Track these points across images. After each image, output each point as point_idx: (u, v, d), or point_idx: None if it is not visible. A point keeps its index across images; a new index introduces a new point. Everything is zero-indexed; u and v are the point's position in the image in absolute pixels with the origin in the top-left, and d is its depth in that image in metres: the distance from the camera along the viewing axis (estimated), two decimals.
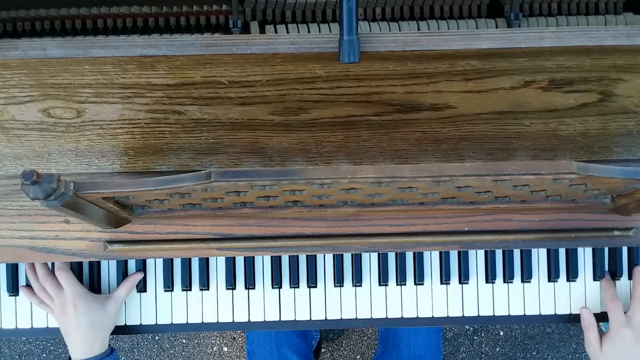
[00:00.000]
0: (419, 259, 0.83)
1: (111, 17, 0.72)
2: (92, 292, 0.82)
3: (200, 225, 0.76)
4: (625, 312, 0.77)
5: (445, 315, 0.83)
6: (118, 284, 0.82)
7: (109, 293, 0.82)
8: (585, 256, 0.83)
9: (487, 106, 0.60)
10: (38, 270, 0.79)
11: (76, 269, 0.82)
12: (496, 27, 0.71)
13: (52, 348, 1.55)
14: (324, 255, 0.83)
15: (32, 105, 0.59)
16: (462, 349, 1.55)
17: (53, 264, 0.81)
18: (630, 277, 0.83)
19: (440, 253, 0.83)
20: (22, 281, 0.83)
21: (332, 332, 1.54)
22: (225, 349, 1.56)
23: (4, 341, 1.55)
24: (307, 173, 0.52)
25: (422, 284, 0.83)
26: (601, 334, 0.79)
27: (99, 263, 0.82)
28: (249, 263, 0.83)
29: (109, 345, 0.80)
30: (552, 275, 0.82)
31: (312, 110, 0.60)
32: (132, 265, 0.83)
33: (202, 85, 0.56)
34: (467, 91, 0.58)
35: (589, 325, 0.79)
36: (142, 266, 0.82)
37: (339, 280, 0.82)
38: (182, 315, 0.83)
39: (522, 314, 0.82)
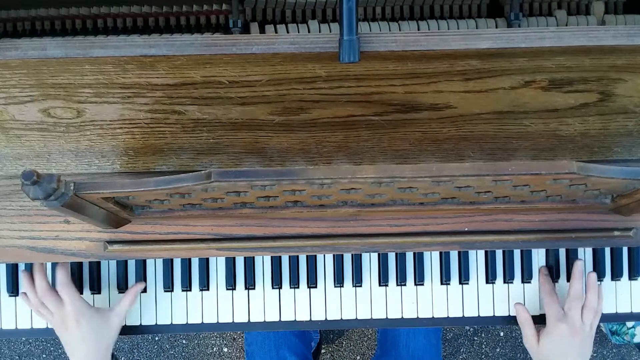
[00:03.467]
0: (419, 259, 0.83)
1: (111, 17, 0.72)
2: (92, 292, 0.82)
3: (200, 226, 0.76)
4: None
5: (446, 316, 0.83)
6: (118, 284, 0.82)
7: (109, 293, 0.82)
8: (585, 257, 0.83)
9: (487, 106, 0.60)
10: (37, 285, 0.76)
11: (76, 269, 0.82)
12: (496, 27, 0.71)
13: (52, 349, 1.55)
14: (324, 256, 0.83)
15: (32, 105, 0.59)
16: (462, 350, 1.55)
17: (53, 272, 0.79)
18: (630, 277, 0.83)
19: (441, 253, 0.83)
20: (22, 281, 0.82)
21: (332, 332, 1.54)
22: (225, 349, 1.56)
23: (4, 341, 1.55)
24: (307, 173, 0.52)
25: (422, 284, 0.83)
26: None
27: (98, 263, 0.82)
28: (249, 263, 0.83)
29: (113, 354, 0.79)
30: (552, 276, 0.82)
31: (312, 110, 0.60)
32: (132, 265, 0.82)
33: (202, 85, 0.56)
34: (467, 91, 0.58)
35: (524, 321, 0.80)
36: (142, 266, 0.82)
37: (339, 281, 0.82)
38: (182, 315, 0.83)
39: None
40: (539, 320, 0.82)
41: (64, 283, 0.76)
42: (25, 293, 0.79)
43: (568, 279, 0.83)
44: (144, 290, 0.82)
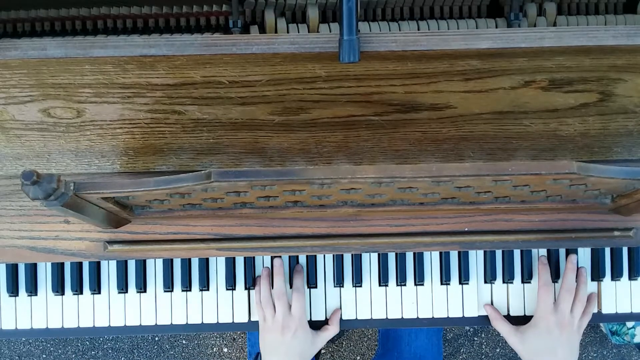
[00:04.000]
0: (419, 260, 0.83)
1: (111, 18, 0.72)
2: (92, 292, 0.82)
3: (200, 226, 0.76)
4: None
5: (446, 316, 0.83)
6: (118, 284, 0.82)
7: (109, 293, 0.82)
8: (585, 257, 0.83)
9: (487, 106, 0.60)
10: (277, 284, 0.78)
11: (76, 269, 0.82)
12: (496, 27, 0.71)
13: (52, 349, 1.55)
14: (324, 256, 0.83)
15: (32, 105, 0.59)
16: (462, 350, 1.55)
17: (291, 272, 0.81)
18: (630, 277, 0.83)
19: (440, 253, 0.83)
20: (22, 281, 0.82)
21: None
22: (225, 349, 1.56)
23: (4, 342, 1.55)
24: (307, 173, 0.52)
25: (422, 285, 0.83)
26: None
27: (98, 263, 0.82)
28: (249, 263, 0.83)
29: None
30: (552, 276, 0.82)
31: (312, 110, 0.60)
32: (132, 265, 0.82)
33: (202, 85, 0.56)
34: (467, 91, 0.58)
35: (495, 318, 0.80)
36: (142, 266, 0.82)
37: (339, 281, 0.82)
38: (182, 315, 0.83)
39: (523, 314, 0.82)
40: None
41: (299, 289, 0.78)
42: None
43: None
44: (144, 291, 0.82)
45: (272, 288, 0.80)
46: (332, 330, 0.80)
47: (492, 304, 0.83)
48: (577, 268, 0.81)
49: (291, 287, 0.80)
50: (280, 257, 0.81)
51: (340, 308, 0.83)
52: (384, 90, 0.57)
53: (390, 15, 0.73)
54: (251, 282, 0.82)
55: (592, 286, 0.83)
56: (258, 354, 0.80)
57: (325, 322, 0.82)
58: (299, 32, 0.70)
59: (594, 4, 0.73)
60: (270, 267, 0.81)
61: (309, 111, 0.61)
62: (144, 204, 0.65)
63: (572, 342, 0.76)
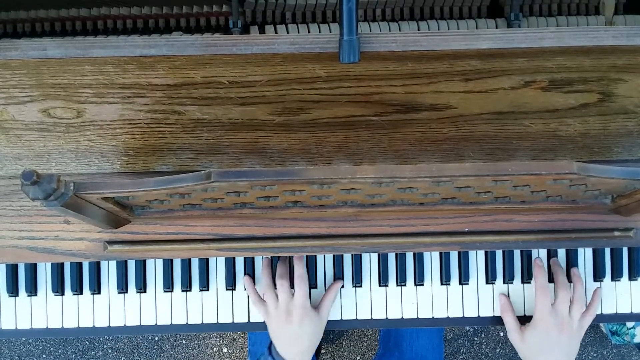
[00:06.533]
0: (419, 260, 0.83)
1: (111, 19, 0.72)
2: (92, 292, 0.82)
3: (200, 226, 0.76)
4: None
5: (446, 316, 0.83)
6: (118, 284, 0.82)
7: (109, 293, 0.82)
8: (585, 257, 0.83)
9: (487, 106, 0.60)
10: (279, 270, 0.79)
11: (76, 269, 0.82)
12: (496, 28, 0.71)
13: (51, 349, 1.55)
14: (324, 256, 0.83)
15: (32, 106, 0.59)
16: (462, 350, 1.55)
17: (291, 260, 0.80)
18: (630, 277, 0.83)
19: (441, 254, 0.83)
20: (22, 282, 0.82)
21: (332, 333, 1.54)
22: (225, 349, 1.55)
23: (4, 342, 1.55)
24: (307, 173, 0.52)
25: (422, 285, 0.83)
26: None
27: (98, 263, 0.82)
28: (249, 264, 0.83)
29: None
30: (553, 276, 0.82)
31: (312, 110, 0.60)
32: (132, 265, 0.82)
33: (202, 85, 0.56)
34: (467, 91, 0.58)
35: (505, 309, 0.80)
36: (142, 267, 0.82)
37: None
38: (181, 315, 0.83)
39: (523, 314, 0.82)
40: None
41: (301, 276, 0.78)
42: (248, 276, 0.81)
43: (569, 280, 0.82)
44: (144, 291, 0.82)
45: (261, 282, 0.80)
46: (327, 300, 0.80)
47: (492, 304, 0.82)
48: (571, 268, 0.81)
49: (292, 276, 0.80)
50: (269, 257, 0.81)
51: (341, 308, 0.83)
52: (384, 90, 0.57)
53: (390, 15, 0.73)
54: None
55: (592, 287, 0.83)
56: (271, 344, 0.80)
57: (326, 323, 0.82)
58: (299, 32, 0.70)
59: (594, 4, 0.73)
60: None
61: (309, 111, 0.61)
62: (144, 204, 0.65)
63: (571, 343, 0.76)
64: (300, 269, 0.78)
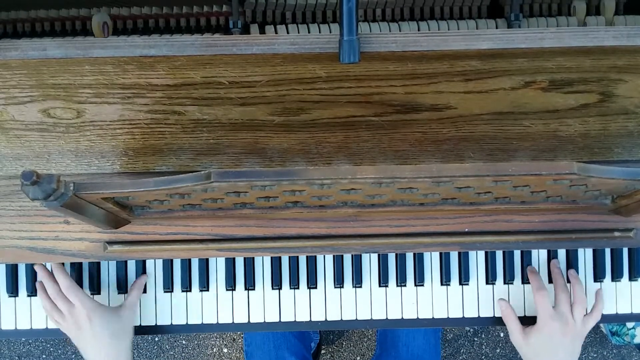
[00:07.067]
0: (419, 260, 0.83)
1: (111, 19, 0.72)
2: (92, 293, 0.81)
3: (200, 226, 0.76)
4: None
5: (446, 317, 0.83)
6: (118, 284, 0.82)
7: (109, 293, 0.82)
8: (585, 257, 0.83)
9: (487, 107, 0.60)
10: (48, 288, 0.76)
11: (76, 269, 0.82)
12: (496, 28, 0.71)
13: (51, 349, 1.55)
14: (324, 256, 0.83)
15: (32, 106, 0.59)
16: (462, 350, 1.55)
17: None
18: (630, 278, 0.83)
19: (441, 254, 0.83)
20: (21, 282, 0.82)
21: (332, 333, 1.54)
22: (225, 350, 1.55)
23: (4, 342, 1.55)
24: (307, 173, 0.52)
25: (423, 285, 0.83)
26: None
27: (98, 264, 0.82)
28: (249, 264, 0.83)
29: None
30: (551, 278, 0.82)
31: (312, 110, 0.60)
32: (132, 266, 0.82)
33: (202, 85, 0.56)
34: (467, 92, 0.58)
35: (507, 315, 0.79)
36: (141, 267, 0.82)
37: (339, 281, 0.82)
38: (181, 316, 0.83)
39: (523, 315, 0.82)
40: (533, 322, 0.82)
41: (68, 286, 0.75)
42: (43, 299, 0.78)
43: (569, 280, 0.82)
44: (144, 291, 0.82)
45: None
46: (132, 293, 0.79)
47: (492, 304, 0.82)
48: (568, 270, 0.81)
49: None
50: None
51: (341, 309, 0.83)
52: (384, 90, 0.57)
53: (390, 15, 0.73)
54: (251, 283, 0.82)
55: (592, 287, 0.83)
56: None
57: (325, 323, 0.82)
58: (299, 32, 0.70)
59: (594, 5, 0.73)
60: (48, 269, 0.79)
61: (309, 112, 0.60)
62: (144, 205, 0.65)
63: (574, 344, 0.76)
64: (63, 280, 0.75)
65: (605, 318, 0.83)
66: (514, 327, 0.79)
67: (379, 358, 1.05)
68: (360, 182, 0.54)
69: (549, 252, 0.83)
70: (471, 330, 1.55)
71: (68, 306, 0.75)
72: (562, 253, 0.83)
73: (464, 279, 0.82)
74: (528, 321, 0.80)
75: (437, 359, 1.02)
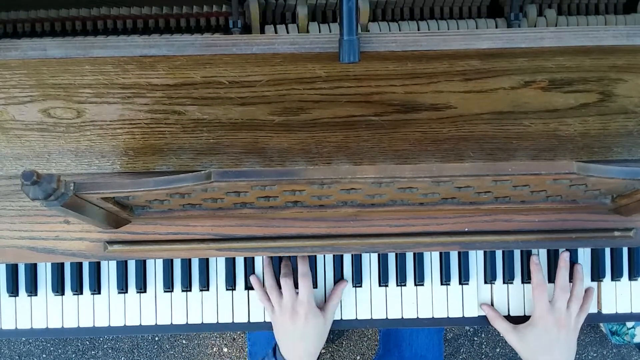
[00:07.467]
0: (419, 260, 0.83)
1: (111, 19, 0.72)
2: (92, 292, 0.82)
3: (200, 226, 0.76)
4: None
5: (446, 316, 0.83)
6: (118, 284, 0.82)
7: (109, 293, 0.82)
8: (585, 257, 0.83)
9: (487, 106, 0.60)
10: (283, 268, 0.79)
11: (76, 269, 0.82)
12: (496, 28, 0.71)
13: (52, 349, 1.55)
14: (324, 256, 0.83)
15: (32, 106, 0.59)
16: (462, 350, 1.55)
17: (294, 260, 0.81)
18: (630, 277, 0.83)
19: (440, 254, 0.83)
20: (22, 282, 0.82)
21: (332, 332, 1.54)
22: (225, 349, 1.56)
23: (4, 342, 1.55)
24: (307, 173, 0.52)
25: (422, 285, 0.83)
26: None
27: (98, 263, 0.82)
28: (249, 263, 0.83)
29: None
30: (552, 276, 0.82)
31: (312, 110, 0.60)
32: (132, 265, 0.82)
33: (202, 85, 0.56)
34: (467, 91, 0.58)
35: (493, 317, 0.81)
36: (142, 267, 0.82)
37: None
38: (182, 315, 0.83)
39: (523, 314, 0.82)
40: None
41: (305, 274, 0.78)
42: (256, 277, 0.81)
43: (570, 279, 0.82)
44: (144, 291, 0.82)
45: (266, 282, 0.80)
46: (333, 301, 0.80)
47: (492, 304, 0.83)
48: (574, 264, 0.81)
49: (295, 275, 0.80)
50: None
51: (341, 308, 0.83)
52: (384, 90, 0.57)
53: (390, 15, 0.73)
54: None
55: (593, 286, 0.83)
56: (276, 345, 0.80)
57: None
58: (299, 32, 0.70)
59: (594, 4, 0.73)
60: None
61: (309, 111, 0.61)
62: (144, 204, 0.65)
63: (569, 340, 0.77)
64: (303, 268, 0.78)
65: (605, 317, 0.83)
66: (504, 327, 0.79)
67: (382, 358, 1.05)
68: (360, 182, 0.54)
69: (548, 251, 0.83)
70: (471, 329, 1.55)
71: (293, 294, 0.78)
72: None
73: (463, 278, 0.82)
74: (527, 320, 0.80)
75: (440, 358, 1.02)
